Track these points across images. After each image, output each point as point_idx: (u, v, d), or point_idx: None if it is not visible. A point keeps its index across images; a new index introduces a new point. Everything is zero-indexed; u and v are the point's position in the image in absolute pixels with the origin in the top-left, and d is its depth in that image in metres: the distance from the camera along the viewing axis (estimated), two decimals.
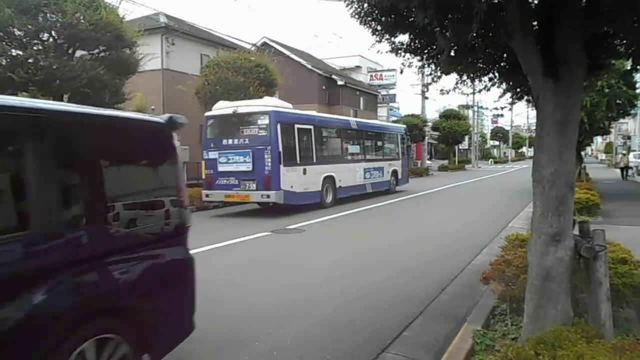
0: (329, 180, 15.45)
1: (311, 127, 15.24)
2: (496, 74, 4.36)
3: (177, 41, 22.21)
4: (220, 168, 13.63)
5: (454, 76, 4.85)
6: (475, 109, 56.48)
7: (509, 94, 4.85)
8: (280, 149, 13.13)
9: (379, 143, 20.58)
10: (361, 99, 39.89)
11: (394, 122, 43.49)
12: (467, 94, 40.22)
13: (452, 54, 4.06)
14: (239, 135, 13.50)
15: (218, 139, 14.02)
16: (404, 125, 25.61)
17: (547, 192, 3.58)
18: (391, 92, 44.17)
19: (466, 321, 4.97)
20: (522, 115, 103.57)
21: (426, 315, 5.31)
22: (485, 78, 4.72)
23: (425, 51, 4.54)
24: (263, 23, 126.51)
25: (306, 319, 5.12)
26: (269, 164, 12.96)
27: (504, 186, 24.78)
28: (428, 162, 44.16)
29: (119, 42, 12.05)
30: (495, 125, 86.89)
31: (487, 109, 61.61)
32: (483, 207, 15.83)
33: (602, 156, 63.75)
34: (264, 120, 13.26)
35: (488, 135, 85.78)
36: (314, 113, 16.49)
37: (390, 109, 47.45)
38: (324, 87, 35.64)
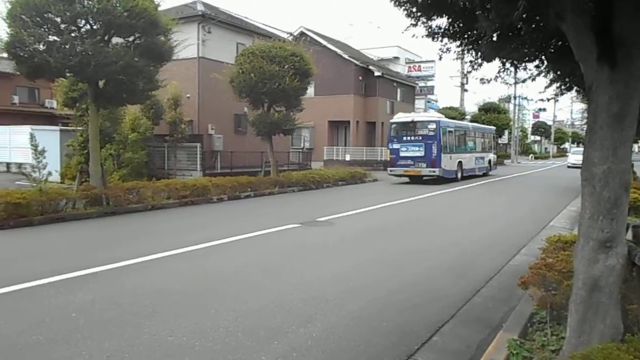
0: (460, 164, 23.48)
1: (453, 129, 23.80)
2: (543, 61, 3.96)
3: (213, 29, 22.17)
4: (401, 154, 22.07)
5: (495, 64, 4.49)
6: (517, 101, 54.72)
7: (555, 85, 4.43)
8: (442, 143, 21.56)
9: (483, 140, 28.33)
10: (398, 90, 39.20)
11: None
12: (510, 84, 39.09)
13: (494, 38, 3.70)
14: (414, 134, 22.10)
15: (399, 136, 22.48)
16: (494, 127, 33.94)
17: (598, 192, 3.20)
18: (429, 83, 43.32)
19: (501, 328, 4.64)
20: (565, 110, 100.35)
21: (458, 318, 4.98)
22: (531, 65, 4.33)
23: (465, 35, 4.18)
24: (300, 13, 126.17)
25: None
26: (435, 152, 21.37)
27: (543, 182, 23.90)
28: None
29: (153, 29, 11.95)
30: (537, 119, 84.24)
31: (531, 100, 59.56)
32: (522, 203, 15.19)
33: None
34: (432, 126, 21.85)
35: (529, 130, 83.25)
36: (455, 121, 27.03)
37: (428, 102, 46.56)
38: (360, 78, 35.15)
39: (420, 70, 42.04)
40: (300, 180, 18.47)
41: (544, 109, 79.00)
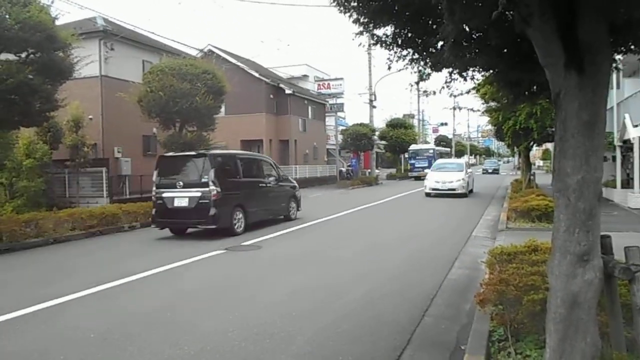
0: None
1: (434, 151, 45.01)
2: (500, 68, 3.81)
3: (116, 46, 20.86)
4: (416, 165, 43.06)
5: (436, 79, 4.32)
6: (421, 116, 57.27)
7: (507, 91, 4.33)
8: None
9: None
10: (309, 108, 39.39)
11: (342, 131, 43.37)
12: (456, 95, 42.84)
13: (450, 45, 3.48)
14: (421, 155, 44.07)
15: (414, 156, 44.74)
16: (449, 149, 56.44)
17: (573, 204, 3.05)
18: (339, 101, 43.96)
19: (461, 349, 4.42)
20: (463, 124, 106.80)
21: (414, 344, 4.69)
22: (478, 75, 4.19)
23: (413, 44, 3.96)
24: (208, 30, 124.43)
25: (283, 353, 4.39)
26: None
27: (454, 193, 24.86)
28: (376, 170, 44.18)
29: (50, 44, 10.83)
30: (437, 134, 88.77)
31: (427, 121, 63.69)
32: (439, 215, 15.52)
33: (540, 162, 66.16)
34: (430, 151, 44.58)
35: (433, 144, 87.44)
36: (439, 147, 53.89)
37: (338, 119, 47.28)
38: (271, 96, 34.88)
39: (329, 88, 42.52)
40: None
41: (445, 123, 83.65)
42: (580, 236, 3.04)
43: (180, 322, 5.36)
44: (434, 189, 22.54)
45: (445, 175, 22.84)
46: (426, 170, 29.89)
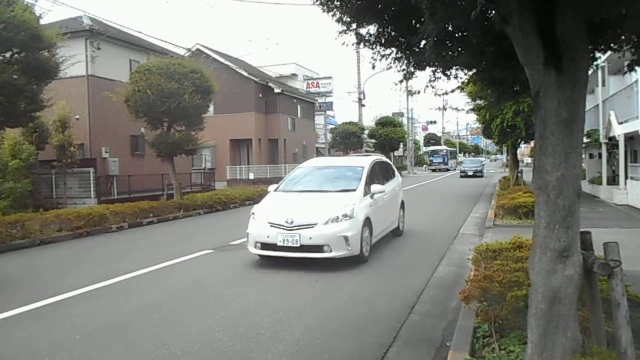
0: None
1: (447, 151, 66.17)
2: (483, 67, 3.85)
3: (103, 46, 20.69)
4: (433, 161, 62.59)
5: (423, 78, 4.35)
6: (410, 114, 57.51)
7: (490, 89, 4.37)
8: (448, 157, 64.06)
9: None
10: (298, 106, 39.37)
11: (331, 130, 43.40)
12: (441, 94, 41.49)
13: (433, 44, 3.50)
14: (439, 153, 63.94)
15: (432, 154, 64.88)
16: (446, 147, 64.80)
17: (552, 200, 3.09)
18: (328, 99, 44.06)
19: (446, 346, 4.46)
20: (452, 122, 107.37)
21: (400, 340, 4.72)
22: (461, 73, 4.22)
23: (397, 42, 3.98)
24: (195, 29, 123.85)
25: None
26: (446, 160, 62.71)
27: (443, 191, 25.01)
28: None
29: (35, 43, 10.74)
30: (426, 132, 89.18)
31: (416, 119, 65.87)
32: (428, 212, 15.59)
33: (528, 160, 66.64)
34: (443, 151, 64.89)
35: (421, 142, 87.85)
36: (449, 148, 72.85)
37: (327, 117, 47.33)
38: (260, 95, 34.81)
39: (318, 87, 42.66)
40: (205, 202, 17.61)
41: (434, 122, 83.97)
42: (560, 232, 3.09)
43: (170, 321, 5.35)
44: (264, 246, 7.96)
45: (302, 206, 8.18)
46: (426, 168, 32.27)
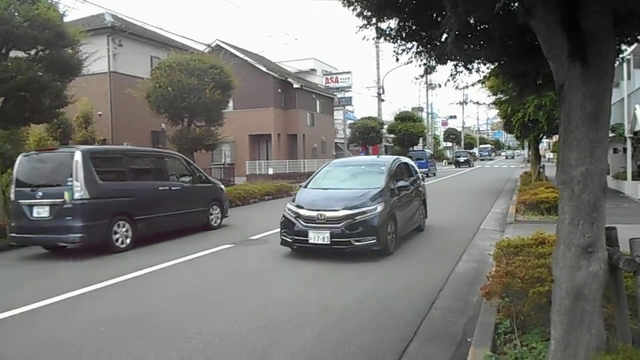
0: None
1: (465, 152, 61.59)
2: (505, 60, 3.80)
3: (125, 42, 20.98)
4: (459, 160, 54.17)
5: (443, 72, 4.31)
6: (429, 109, 57.08)
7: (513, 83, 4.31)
8: (470, 154, 61.95)
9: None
10: (317, 102, 39.36)
11: (350, 125, 43.31)
12: (462, 88, 41.64)
13: (455, 38, 3.47)
14: (486, 150, 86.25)
15: (458, 155, 58.05)
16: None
17: (577, 195, 3.04)
18: (347, 94, 43.93)
19: (467, 342, 4.43)
20: (472, 117, 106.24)
21: (421, 336, 4.71)
22: (483, 67, 4.18)
23: (418, 37, 3.95)
24: (215, 24, 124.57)
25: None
26: (468, 157, 56.36)
27: (464, 186, 24.78)
28: None
29: (59, 41, 10.92)
30: (446, 127, 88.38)
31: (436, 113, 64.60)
32: (449, 207, 15.47)
33: (550, 155, 65.60)
34: (488, 148, 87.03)
35: (441, 137, 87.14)
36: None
37: (346, 112, 47.23)
38: (279, 91, 34.90)
39: (337, 82, 42.54)
40: None
41: (454, 116, 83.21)
42: (584, 228, 3.04)
43: (192, 313, 5.43)
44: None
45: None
46: (446, 163, 35.70)
